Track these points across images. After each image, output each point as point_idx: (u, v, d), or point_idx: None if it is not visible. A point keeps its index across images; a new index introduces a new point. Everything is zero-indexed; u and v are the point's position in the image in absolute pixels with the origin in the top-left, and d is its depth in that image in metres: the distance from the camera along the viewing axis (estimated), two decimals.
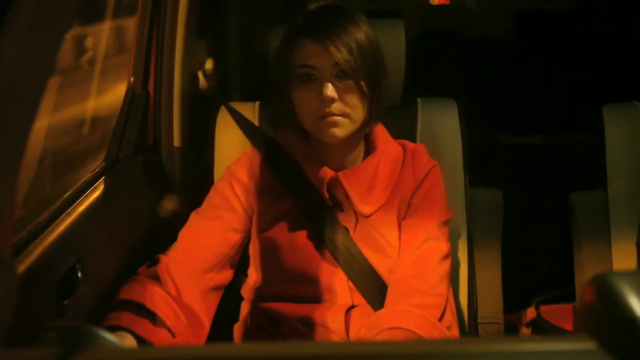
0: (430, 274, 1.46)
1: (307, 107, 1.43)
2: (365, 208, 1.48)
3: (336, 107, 1.40)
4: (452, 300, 1.52)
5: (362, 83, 1.41)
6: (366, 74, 1.42)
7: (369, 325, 1.39)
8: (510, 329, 2.03)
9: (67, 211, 1.32)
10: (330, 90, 1.39)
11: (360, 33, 1.44)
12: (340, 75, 1.41)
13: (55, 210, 1.31)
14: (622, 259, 1.73)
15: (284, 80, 1.46)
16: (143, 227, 1.65)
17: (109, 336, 0.68)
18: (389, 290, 1.47)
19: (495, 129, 3.27)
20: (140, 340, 1.31)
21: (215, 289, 1.48)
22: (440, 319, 1.43)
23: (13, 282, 0.71)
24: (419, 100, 1.78)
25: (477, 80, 3.37)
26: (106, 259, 1.45)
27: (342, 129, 1.42)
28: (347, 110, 1.41)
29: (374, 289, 1.48)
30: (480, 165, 1.92)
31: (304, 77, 1.42)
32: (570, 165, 3.03)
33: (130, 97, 1.72)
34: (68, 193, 1.39)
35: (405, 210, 1.52)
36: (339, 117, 1.41)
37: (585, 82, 3.20)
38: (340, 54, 1.39)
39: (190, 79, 1.85)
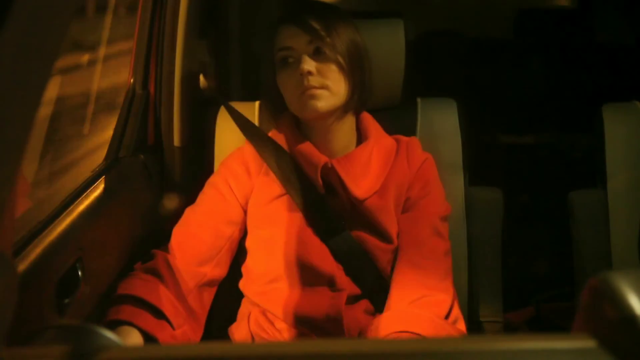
0: (435, 268, 1.47)
1: (289, 87, 1.47)
2: (359, 192, 1.49)
3: (314, 80, 1.43)
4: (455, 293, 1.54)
5: (340, 59, 1.44)
6: (344, 52, 1.45)
7: (376, 328, 1.40)
8: (510, 328, 2.03)
9: (68, 210, 1.32)
10: (306, 63, 1.43)
11: (340, 21, 1.47)
12: (316, 52, 1.45)
13: (56, 210, 1.31)
14: (621, 258, 1.73)
15: (268, 68, 1.51)
16: (143, 227, 1.65)
17: (110, 334, 0.68)
18: (392, 283, 1.48)
19: (495, 129, 3.27)
20: (142, 332, 1.32)
21: (210, 283, 1.49)
22: (448, 314, 1.44)
23: (13, 281, 0.71)
24: (418, 100, 1.78)
25: (477, 80, 3.36)
26: (107, 258, 1.45)
27: (322, 101, 1.44)
28: (326, 82, 1.44)
29: (368, 277, 1.49)
30: (480, 165, 1.92)
31: (284, 61, 1.47)
32: (570, 165, 3.03)
33: (131, 96, 1.72)
34: (69, 192, 1.39)
35: (404, 203, 1.53)
36: (318, 90, 1.44)
37: (585, 82, 3.20)
38: (314, 31, 1.44)
39: (190, 79, 1.85)
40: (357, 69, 1.48)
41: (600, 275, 0.64)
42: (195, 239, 1.49)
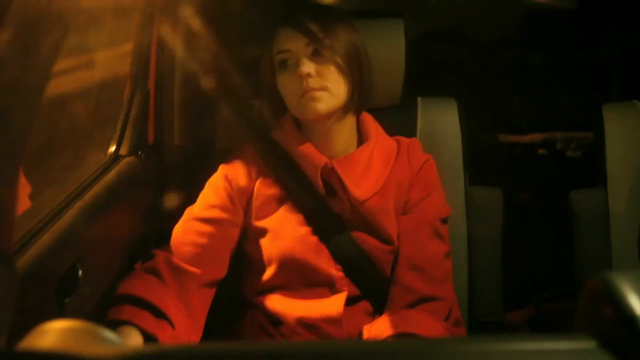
0: (435, 270, 1.47)
1: (289, 90, 1.47)
2: (360, 193, 1.49)
3: (314, 82, 1.43)
4: (455, 295, 1.54)
5: (339, 60, 1.45)
6: (342, 53, 1.45)
7: (376, 329, 1.40)
8: (510, 328, 2.03)
9: (68, 209, 1.32)
10: (305, 65, 1.43)
11: (338, 22, 1.47)
12: (315, 54, 1.45)
13: (56, 209, 1.31)
14: (621, 258, 1.73)
15: (267, 70, 1.51)
16: (143, 226, 1.65)
17: (109, 334, 0.68)
18: (392, 284, 1.48)
19: (495, 129, 3.27)
20: (142, 332, 1.32)
21: (210, 283, 1.49)
22: (448, 316, 1.44)
23: (14, 281, 0.71)
24: (419, 99, 1.78)
25: (477, 80, 3.36)
26: (107, 258, 1.45)
27: (322, 102, 1.44)
28: (326, 84, 1.44)
29: (368, 278, 1.49)
30: (480, 165, 1.92)
31: (283, 63, 1.47)
32: (570, 165, 3.03)
33: (131, 95, 1.72)
34: (69, 191, 1.39)
35: (404, 204, 1.53)
36: (318, 92, 1.44)
37: (585, 82, 3.20)
38: (312, 33, 1.44)
39: (190, 79, 1.85)
40: (356, 70, 1.48)
41: (600, 276, 0.64)
42: (195, 240, 1.49)
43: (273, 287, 1.51)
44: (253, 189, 1.54)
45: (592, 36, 3.31)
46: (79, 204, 1.36)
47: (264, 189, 1.54)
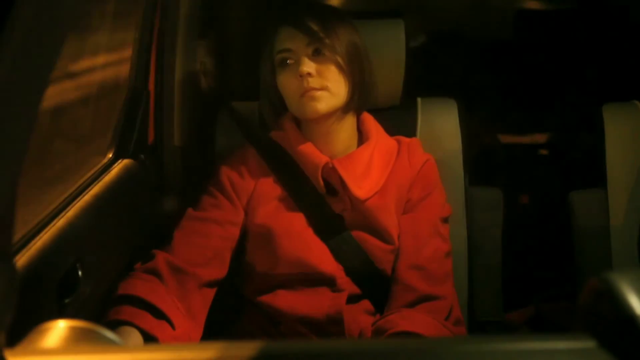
0: (436, 269, 1.47)
1: (289, 89, 1.48)
2: (360, 192, 1.49)
3: (314, 81, 1.44)
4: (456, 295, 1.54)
5: (339, 60, 1.45)
6: (343, 52, 1.46)
7: (377, 328, 1.40)
8: (510, 328, 2.03)
9: (68, 210, 1.32)
10: (306, 65, 1.44)
11: (339, 22, 1.48)
12: (316, 53, 1.46)
13: (56, 209, 1.31)
14: (621, 258, 1.73)
15: (268, 70, 1.51)
16: (143, 227, 1.65)
17: (110, 334, 0.68)
18: (393, 284, 1.48)
19: (495, 129, 3.27)
20: (142, 333, 1.32)
21: (210, 283, 1.49)
22: (448, 316, 1.44)
23: (14, 281, 0.71)
24: (418, 99, 1.79)
25: (477, 80, 3.36)
26: (107, 258, 1.45)
27: (322, 102, 1.45)
28: (326, 83, 1.45)
29: (369, 277, 1.50)
30: (480, 165, 1.92)
31: (283, 63, 1.48)
32: (570, 165, 3.03)
33: (131, 96, 1.72)
34: (68, 192, 1.39)
35: (405, 203, 1.53)
36: (318, 92, 1.45)
37: (585, 82, 3.20)
38: (313, 32, 1.45)
39: (190, 79, 1.85)
40: (356, 70, 1.49)
41: (600, 275, 0.64)
42: (196, 239, 1.49)
43: (273, 287, 1.51)
44: (253, 189, 1.54)
45: (591, 36, 3.31)
46: (80, 204, 1.36)
47: (264, 189, 1.54)
